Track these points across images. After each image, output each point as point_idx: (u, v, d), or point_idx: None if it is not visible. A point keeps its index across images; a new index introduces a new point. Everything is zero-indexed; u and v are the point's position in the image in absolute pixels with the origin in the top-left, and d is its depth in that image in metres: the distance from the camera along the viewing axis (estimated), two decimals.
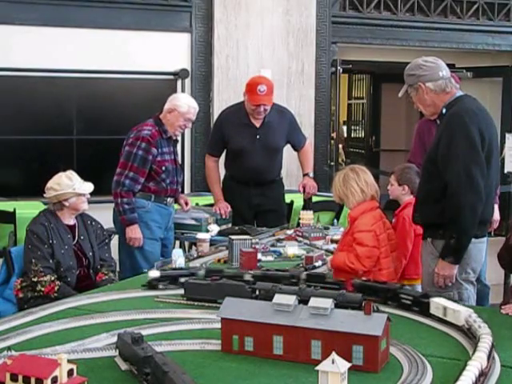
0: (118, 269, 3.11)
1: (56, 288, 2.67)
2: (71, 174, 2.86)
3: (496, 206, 3.07)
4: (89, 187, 2.85)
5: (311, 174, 3.70)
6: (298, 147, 3.76)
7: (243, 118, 3.53)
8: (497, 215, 3.29)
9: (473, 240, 2.30)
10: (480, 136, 2.26)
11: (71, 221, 2.87)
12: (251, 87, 3.49)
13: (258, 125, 3.56)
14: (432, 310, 1.98)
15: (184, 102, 3.23)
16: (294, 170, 4.60)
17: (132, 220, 3.12)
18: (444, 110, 2.36)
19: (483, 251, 2.42)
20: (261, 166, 3.54)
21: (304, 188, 3.65)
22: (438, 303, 1.97)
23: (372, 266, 2.48)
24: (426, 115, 2.50)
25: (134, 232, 3.12)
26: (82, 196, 2.82)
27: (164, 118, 3.23)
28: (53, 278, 2.66)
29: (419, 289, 2.59)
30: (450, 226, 2.26)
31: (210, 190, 3.77)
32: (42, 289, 2.66)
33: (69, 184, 2.81)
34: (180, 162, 3.39)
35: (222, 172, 3.76)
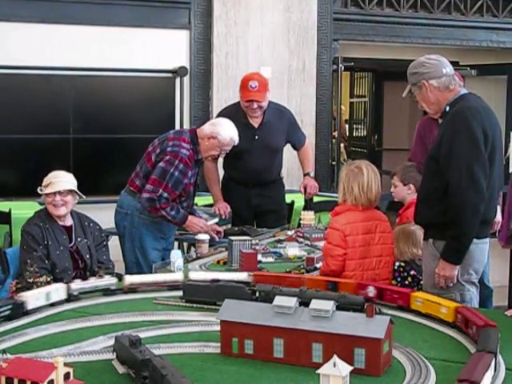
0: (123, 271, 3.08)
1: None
2: (56, 172, 2.79)
3: (498, 208, 3.03)
4: (52, 188, 2.71)
5: (312, 174, 3.67)
6: (297, 146, 3.72)
7: (241, 118, 3.47)
8: (499, 216, 3.25)
9: (475, 240, 2.27)
10: (483, 134, 2.24)
11: (67, 222, 2.83)
12: (243, 83, 3.47)
13: (256, 125, 3.52)
14: None
15: (227, 134, 3.08)
16: (294, 169, 4.57)
17: (183, 218, 3.04)
18: (447, 108, 2.34)
19: (486, 252, 2.39)
20: (260, 166, 3.50)
21: (305, 188, 3.61)
22: None
23: (339, 266, 2.45)
24: (430, 113, 2.48)
25: (193, 224, 3.05)
26: (47, 197, 2.71)
27: (201, 139, 3.08)
28: (48, 279, 2.63)
29: None
30: (452, 225, 2.23)
31: (209, 190, 3.74)
32: None
33: (44, 181, 2.75)
34: (198, 182, 3.28)
35: (222, 172, 3.72)
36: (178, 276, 2.32)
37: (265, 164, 3.52)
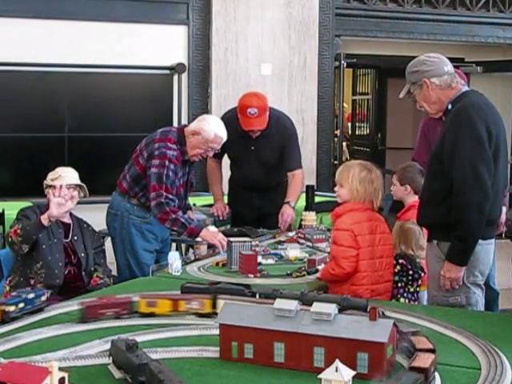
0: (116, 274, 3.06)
1: (19, 231, 2.54)
2: (63, 167, 2.79)
3: (504, 208, 2.98)
4: (59, 181, 2.71)
5: (292, 204, 3.40)
6: (287, 168, 3.49)
7: (239, 127, 3.37)
8: (503, 217, 3.20)
9: (480, 241, 2.24)
10: (487, 132, 2.20)
11: (66, 219, 2.80)
12: (241, 109, 3.32)
13: (254, 135, 3.42)
14: None
15: (211, 129, 2.96)
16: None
17: (199, 226, 2.93)
18: (450, 106, 2.31)
19: (491, 253, 2.35)
20: (257, 176, 3.44)
21: (282, 216, 3.35)
22: None
23: (352, 267, 2.39)
24: (431, 114, 2.43)
25: (211, 235, 2.89)
26: (53, 190, 2.69)
27: (187, 137, 3.00)
28: (20, 226, 2.58)
29: (425, 295, 2.51)
30: (456, 226, 2.19)
31: (208, 190, 3.70)
32: (13, 237, 2.55)
33: (51, 174, 2.75)
34: (192, 180, 3.19)
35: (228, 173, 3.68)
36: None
37: (262, 174, 3.44)
